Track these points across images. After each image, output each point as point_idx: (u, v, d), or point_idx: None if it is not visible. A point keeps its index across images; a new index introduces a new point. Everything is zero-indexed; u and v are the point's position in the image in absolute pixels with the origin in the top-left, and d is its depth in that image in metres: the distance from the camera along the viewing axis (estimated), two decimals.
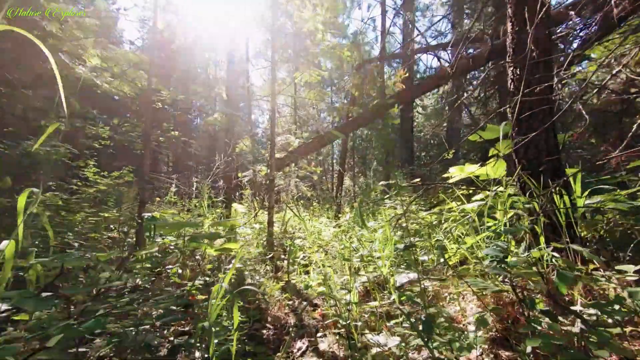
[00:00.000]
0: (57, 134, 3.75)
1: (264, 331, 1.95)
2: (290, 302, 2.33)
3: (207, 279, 2.37)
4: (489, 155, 2.49)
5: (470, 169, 2.37)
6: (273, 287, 2.58)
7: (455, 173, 2.45)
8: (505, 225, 1.40)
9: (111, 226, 2.68)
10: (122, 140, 4.64)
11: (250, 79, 7.01)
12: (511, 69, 1.71)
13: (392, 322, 1.61)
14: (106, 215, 2.58)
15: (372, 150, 16.88)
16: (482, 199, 2.35)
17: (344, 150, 7.60)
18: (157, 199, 5.60)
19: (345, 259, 1.64)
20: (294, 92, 6.23)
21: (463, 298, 1.55)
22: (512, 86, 1.72)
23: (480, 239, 1.56)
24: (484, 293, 1.08)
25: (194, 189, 5.20)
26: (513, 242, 1.29)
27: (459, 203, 2.56)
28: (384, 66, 6.73)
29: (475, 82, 6.77)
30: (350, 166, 14.01)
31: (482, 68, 7.85)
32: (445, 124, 13.94)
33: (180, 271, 2.26)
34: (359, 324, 1.56)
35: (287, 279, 2.73)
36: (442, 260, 1.70)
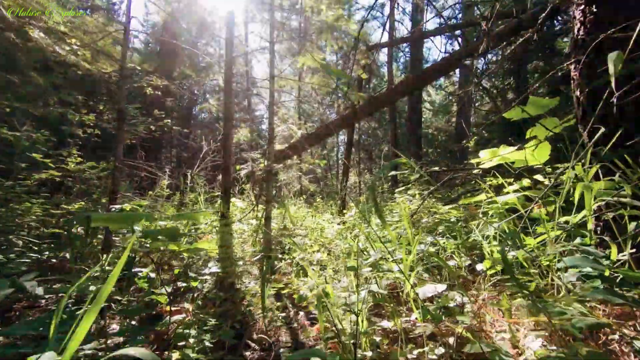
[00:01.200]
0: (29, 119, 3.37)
1: (247, 353, 1.54)
2: (284, 314, 1.93)
3: (185, 284, 1.98)
4: (527, 137, 2.05)
5: (505, 152, 1.93)
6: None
7: (486, 158, 2.01)
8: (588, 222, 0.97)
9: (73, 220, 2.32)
10: (109, 128, 4.28)
11: (249, 63, 6.60)
12: (581, 7, 1.26)
13: (415, 351, 1.19)
14: (70, 207, 2.20)
15: (378, 146, 16.40)
16: (517, 190, 1.92)
17: (350, 141, 7.17)
18: (150, 192, 5.22)
19: (351, 268, 1.22)
20: (297, 81, 5.81)
21: (514, 322, 1.12)
22: (581, 30, 1.27)
23: (537, 242, 1.12)
24: (578, 326, 0.65)
25: (188, 182, 4.82)
26: (615, 249, 0.86)
27: (490, 195, 2.12)
28: (392, 51, 6.26)
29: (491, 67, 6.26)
30: (355, 162, 13.56)
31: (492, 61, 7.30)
32: (454, 119, 13.39)
33: (151, 275, 1.87)
34: (369, 354, 1.14)
35: (281, 285, 2.32)
36: (480, 268, 1.27)
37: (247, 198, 5.24)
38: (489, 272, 1.24)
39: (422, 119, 12.91)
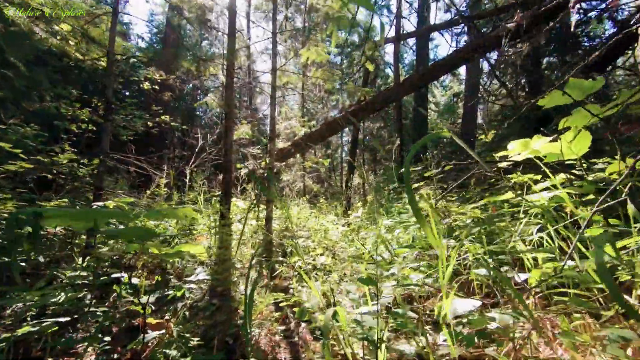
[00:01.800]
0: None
1: None
2: (283, 327, 1.70)
3: (170, 292, 1.76)
4: (559, 128, 1.81)
5: (539, 144, 1.69)
6: (262, 301, 1.95)
7: (515, 150, 1.77)
8: None
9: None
10: (103, 123, 4.10)
11: (251, 57, 6.42)
12: None
13: None
14: (47, 205, 2.00)
15: (384, 147, 16.17)
16: (546, 188, 1.68)
17: (354, 140, 6.94)
18: (147, 191, 5.03)
19: (366, 281, 0.98)
20: (300, 76, 5.62)
21: (582, 351, 0.88)
22: None
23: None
24: None
25: (186, 179, 4.62)
26: None
27: (517, 192, 1.88)
28: (399, 47, 6.03)
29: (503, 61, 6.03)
30: (359, 163, 13.33)
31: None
32: (460, 120, 13.11)
33: (134, 281, 1.65)
34: None
35: (280, 298, 2.09)
36: (519, 278, 1.04)
37: (248, 198, 5.03)
38: (533, 287, 1.01)
39: (427, 120, 12.64)
